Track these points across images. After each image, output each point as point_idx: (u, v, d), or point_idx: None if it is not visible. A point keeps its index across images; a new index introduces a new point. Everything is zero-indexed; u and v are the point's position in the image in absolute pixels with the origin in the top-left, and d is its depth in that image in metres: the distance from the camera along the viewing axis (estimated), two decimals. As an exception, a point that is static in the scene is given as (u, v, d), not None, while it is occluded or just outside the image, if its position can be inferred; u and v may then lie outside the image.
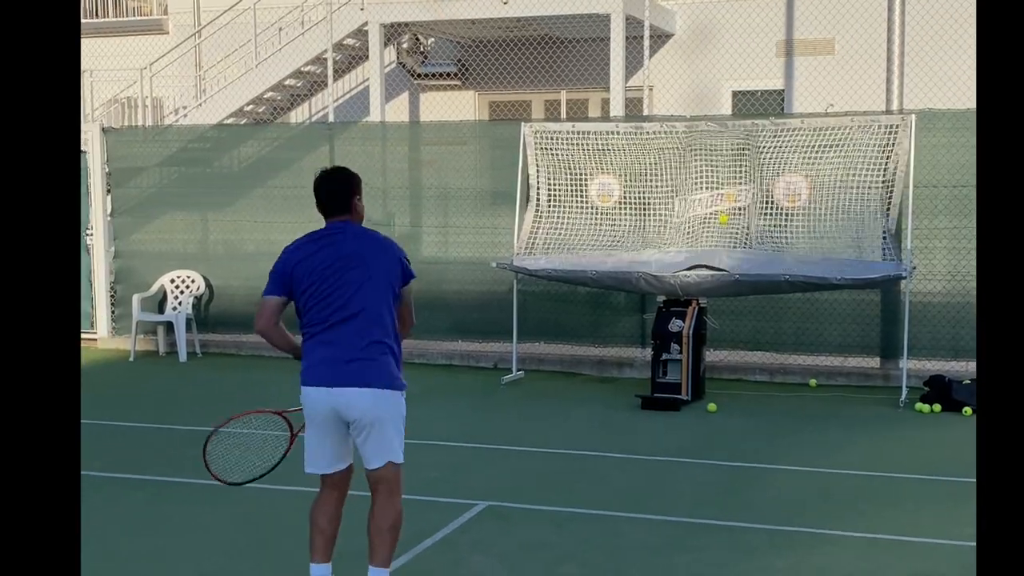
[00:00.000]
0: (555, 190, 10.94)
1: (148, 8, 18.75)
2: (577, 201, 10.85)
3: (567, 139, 10.95)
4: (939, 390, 9.54)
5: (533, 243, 10.90)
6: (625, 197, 10.67)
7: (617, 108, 13.58)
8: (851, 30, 14.26)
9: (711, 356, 10.63)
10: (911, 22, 11.09)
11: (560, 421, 9.38)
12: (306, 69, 15.40)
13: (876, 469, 7.68)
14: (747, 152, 10.27)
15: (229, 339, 12.90)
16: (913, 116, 9.83)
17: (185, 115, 15.80)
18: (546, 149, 11.00)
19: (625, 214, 10.66)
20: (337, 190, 5.04)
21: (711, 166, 10.37)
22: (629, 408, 9.74)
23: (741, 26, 14.57)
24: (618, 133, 10.77)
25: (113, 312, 13.27)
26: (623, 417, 9.46)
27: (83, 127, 13.53)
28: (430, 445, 8.44)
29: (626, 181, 10.68)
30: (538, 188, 10.99)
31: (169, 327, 12.64)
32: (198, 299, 12.82)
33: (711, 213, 10.30)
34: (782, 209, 10.11)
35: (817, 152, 10.06)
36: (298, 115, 16.65)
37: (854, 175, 9.94)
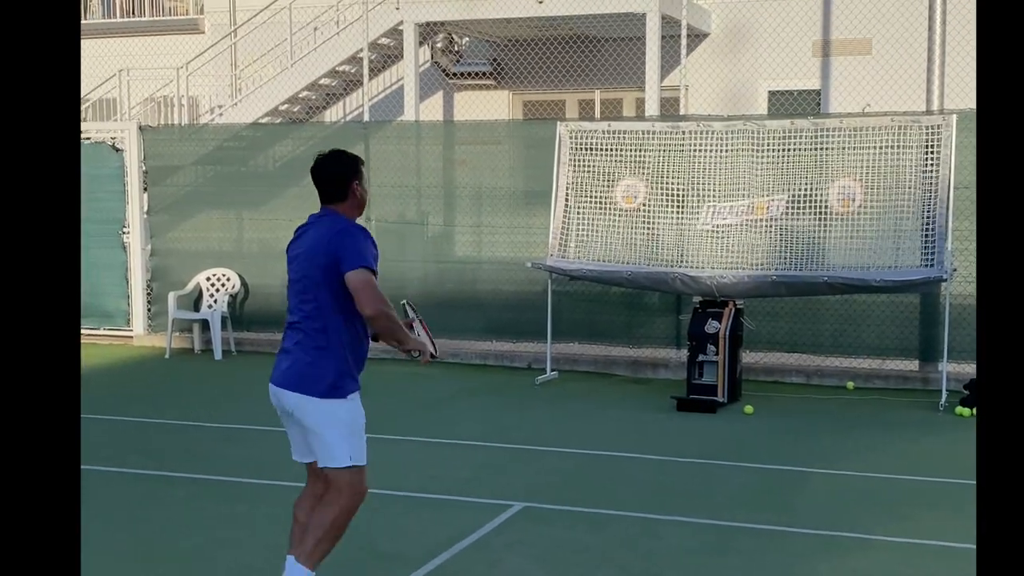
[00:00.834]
0: (588, 190, 10.88)
1: (184, 8, 18.86)
2: (609, 202, 10.80)
3: (602, 139, 10.89)
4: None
5: (567, 243, 10.86)
6: (652, 201, 10.57)
7: (652, 108, 13.52)
8: (889, 30, 14.13)
9: (747, 357, 10.56)
10: (951, 21, 10.96)
11: (595, 422, 9.33)
12: (341, 68, 15.43)
13: (917, 473, 7.59)
14: (784, 154, 10.17)
15: (264, 337, 12.92)
16: (955, 116, 9.71)
17: (221, 114, 15.86)
18: (580, 148, 10.95)
19: (653, 218, 10.57)
20: (330, 176, 4.82)
21: (743, 171, 10.26)
22: (664, 409, 9.68)
23: (777, 25, 14.46)
24: (654, 132, 10.71)
25: (149, 310, 13.33)
26: (659, 418, 9.40)
27: (120, 125, 13.64)
28: (464, 445, 8.44)
29: (655, 185, 10.59)
30: (569, 188, 10.94)
31: (204, 325, 12.70)
32: (233, 297, 12.87)
33: (741, 222, 10.19)
34: (822, 211, 10.00)
35: (857, 153, 9.96)
36: (332, 114, 16.69)
37: (894, 176, 9.84)
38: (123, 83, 15.84)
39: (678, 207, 10.50)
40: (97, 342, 13.18)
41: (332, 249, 4.64)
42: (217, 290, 12.83)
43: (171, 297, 12.57)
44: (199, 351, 12.79)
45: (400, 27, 14.49)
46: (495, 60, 16.05)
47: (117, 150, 13.19)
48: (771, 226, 10.15)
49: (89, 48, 17.23)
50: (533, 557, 5.83)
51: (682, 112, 12.91)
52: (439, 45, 15.90)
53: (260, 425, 9.03)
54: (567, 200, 10.92)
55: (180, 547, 6.01)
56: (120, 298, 13.24)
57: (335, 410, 4.73)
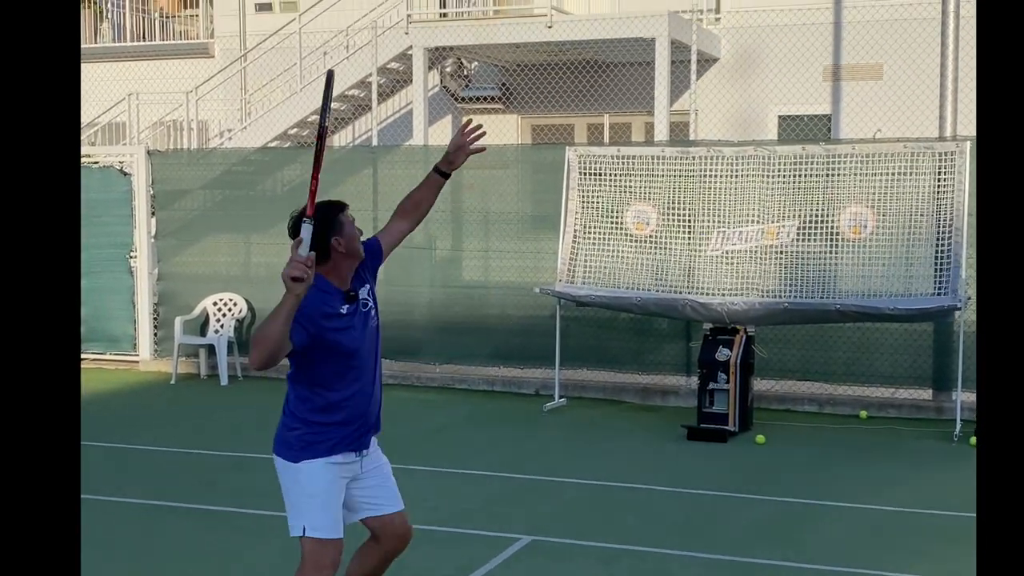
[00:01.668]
0: (597, 215, 10.80)
1: (195, 32, 18.89)
2: (617, 227, 10.72)
3: (611, 164, 10.82)
4: (995, 424, 9.29)
5: (575, 269, 10.77)
6: (662, 226, 10.50)
7: (662, 132, 13.46)
8: (899, 55, 14.07)
9: (758, 385, 10.44)
10: (963, 47, 10.89)
11: (605, 451, 9.22)
12: (350, 92, 15.40)
13: (933, 507, 7.46)
14: (795, 180, 10.09)
15: (271, 363, 12.82)
16: (969, 143, 9.63)
17: (230, 138, 15.85)
18: (589, 173, 10.88)
19: (664, 243, 10.49)
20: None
21: (754, 197, 10.18)
22: (675, 438, 9.57)
23: (787, 50, 14.41)
24: (664, 158, 10.63)
25: (155, 334, 13.26)
26: (669, 448, 9.29)
27: (128, 150, 13.62)
28: (471, 475, 8.33)
29: (665, 210, 10.51)
30: (578, 213, 10.86)
31: (211, 350, 12.62)
32: (240, 322, 12.79)
33: (752, 248, 10.11)
34: (834, 238, 9.91)
35: (869, 179, 9.88)
36: (341, 138, 16.67)
37: (907, 203, 9.75)
38: (132, 107, 15.83)
39: (688, 233, 10.42)
40: (103, 367, 13.11)
41: None
42: (224, 315, 12.76)
43: (178, 322, 12.50)
44: (205, 376, 12.71)
45: (409, 52, 14.47)
46: (504, 84, 16.02)
47: (125, 174, 13.15)
48: (782, 253, 10.05)
49: (98, 71, 17.26)
50: (542, 593, 5.73)
51: (692, 137, 12.83)
52: (448, 69, 15.89)
53: (268, 454, 8.91)
54: (576, 225, 10.84)
55: (183, 581, 5.91)
56: (126, 322, 13.17)
57: (286, 474, 4.49)
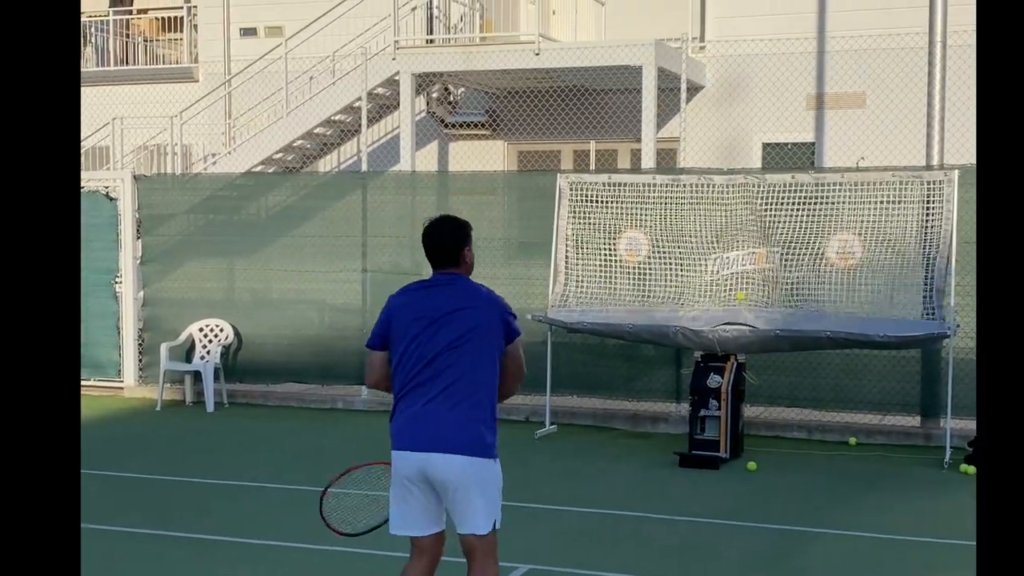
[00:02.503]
0: (588, 242, 10.82)
1: (179, 57, 18.86)
2: (608, 254, 10.74)
3: (602, 191, 10.86)
4: (985, 451, 9.33)
5: (567, 295, 10.78)
6: (654, 253, 10.53)
7: (648, 160, 13.52)
8: (882, 84, 14.20)
9: (748, 412, 10.45)
10: (949, 76, 11.01)
11: (598, 478, 9.21)
12: (336, 118, 15.40)
13: (926, 534, 7.48)
14: (785, 208, 10.14)
15: (257, 389, 12.79)
16: (956, 172, 9.71)
17: (214, 162, 15.80)
18: (580, 200, 10.91)
19: (655, 270, 10.51)
20: (446, 240, 4.78)
21: (743, 225, 10.23)
22: (667, 465, 9.56)
23: (771, 79, 14.52)
24: (654, 185, 10.68)
25: (140, 360, 13.17)
26: (661, 475, 9.28)
27: (114, 174, 13.55)
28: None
29: (656, 237, 10.55)
30: (569, 239, 10.88)
31: (196, 376, 12.54)
32: (226, 348, 12.72)
33: (743, 272, 10.16)
34: (823, 265, 9.96)
35: (857, 207, 9.95)
36: (327, 164, 16.65)
37: (895, 231, 9.82)
38: (116, 131, 15.77)
39: (678, 260, 10.45)
40: (87, 392, 12.96)
41: (504, 313, 4.73)
42: (210, 341, 12.69)
43: (163, 348, 12.42)
44: (191, 403, 12.62)
45: (396, 77, 14.48)
46: (490, 110, 16.06)
47: (111, 199, 13.08)
48: (772, 280, 10.10)
49: (82, 96, 17.19)
50: (544, 623, 5.69)
51: (679, 164, 12.90)
52: (435, 95, 15.91)
53: (260, 482, 8.89)
54: (567, 252, 10.86)
55: (181, 611, 5.85)
56: (111, 348, 13.07)
57: (490, 471, 4.69)
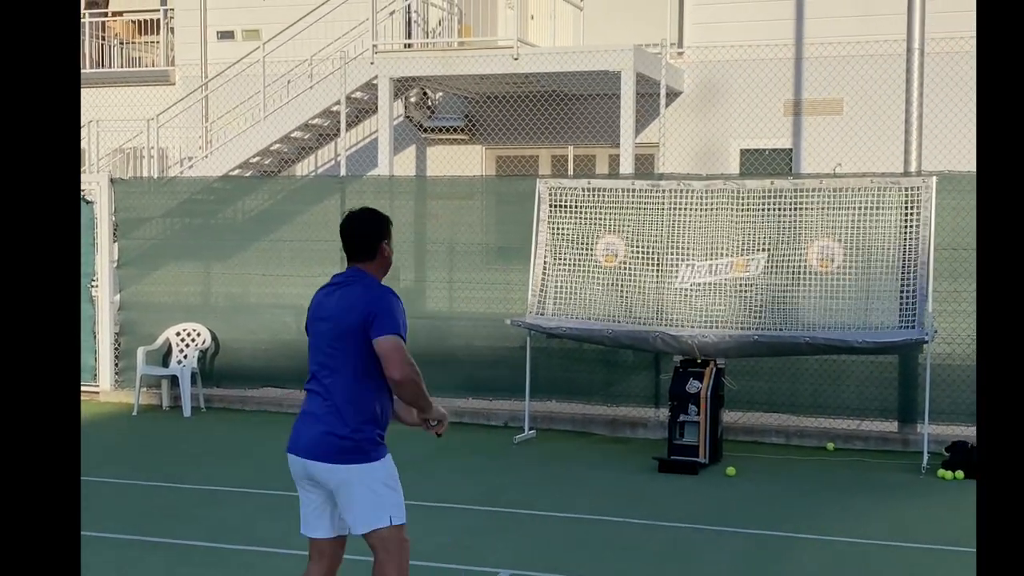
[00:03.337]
0: (567, 247, 10.83)
1: (153, 59, 18.74)
2: (587, 259, 10.75)
3: (579, 196, 10.86)
4: (962, 456, 9.39)
5: (545, 300, 10.78)
6: (632, 259, 10.54)
7: (627, 165, 13.53)
8: (860, 90, 14.27)
9: (726, 417, 10.47)
10: (928, 83, 11.08)
11: (578, 483, 9.20)
12: (314, 122, 15.35)
13: (904, 539, 7.51)
14: (763, 213, 10.18)
15: (234, 394, 12.72)
16: (934, 178, 9.77)
17: (191, 166, 15.71)
18: (559, 205, 10.91)
19: (632, 275, 10.52)
20: (360, 233, 4.74)
21: (722, 230, 10.26)
22: (646, 470, 9.56)
23: (749, 85, 14.57)
24: (633, 190, 10.69)
25: (116, 365, 13.07)
26: (641, 480, 9.29)
27: (90, 177, 13.43)
28: (444, 508, 8.26)
29: (634, 242, 10.56)
30: (548, 244, 10.88)
31: (173, 381, 12.45)
32: (204, 353, 12.64)
33: (720, 281, 10.17)
34: (802, 271, 10.00)
35: (836, 213, 9.99)
36: (304, 167, 16.58)
37: (874, 237, 9.86)
38: (92, 134, 15.66)
39: (657, 265, 10.47)
40: (62, 397, 12.87)
41: (367, 312, 4.53)
42: (187, 345, 12.61)
43: (140, 352, 12.33)
44: (167, 407, 12.53)
45: (374, 81, 14.45)
46: (468, 115, 16.04)
47: (88, 202, 12.98)
48: (751, 285, 10.13)
49: (57, 98, 17.04)
50: (526, 629, 5.68)
51: (658, 170, 12.92)
52: (413, 100, 15.88)
53: (236, 487, 8.84)
54: (546, 257, 10.85)
55: (160, 619, 5.80)
56: (87, 352, 12.95)
57: (367, 470, 4.58)
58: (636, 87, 13.54)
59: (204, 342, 12.62)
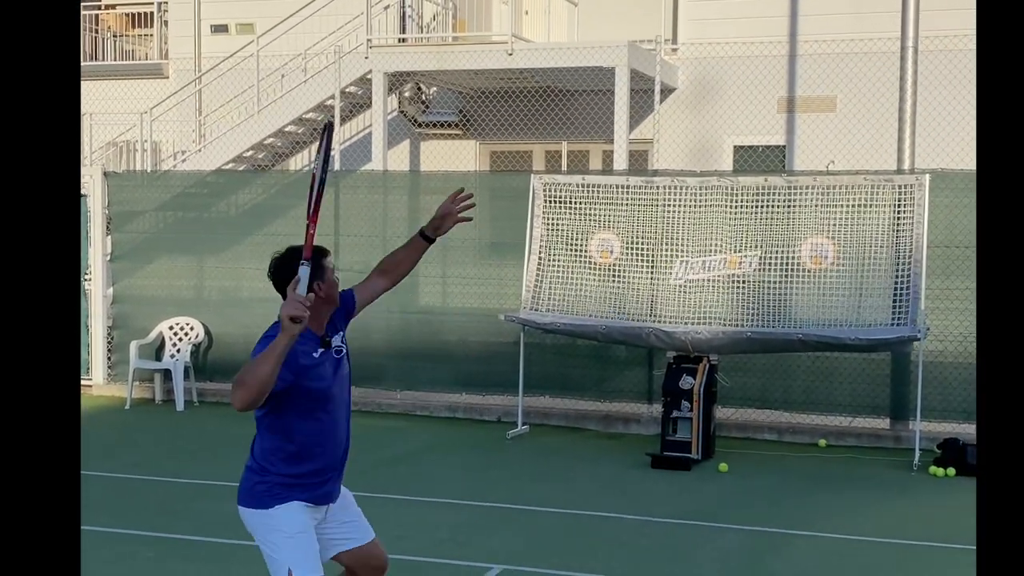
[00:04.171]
0: (561, 243, 10.83)
1: (146, 52, 18.70)
2: (581, 255, 10.76)
3: (574, 192, 10.86)
4: (954, 453, 9.42)
5: (539, 296, 10.78)
6: (626, 255, 10.55)
7: (621, 161, 13.54)
8: (853, 88, 14.29)
9: (719, 413, 10.48)
10: (921, 81, 11.10)
11: (570, 479, 9.21)
12: (307, 116, 15.33)
13: (896, 536, 7.54)
14: (757, 210, 10.20)
15: (227, 388, 12.60)
16: (928, 176, 9.80)
17: (184, 159, 15.68)
18: (553, 201, 10.91)
19: (626, 272, 10.53)
20: (275, 282, 4.41)
21: (716, 226, 10.28)
22: (639, 466, 9.58)
23: (743, 81, 14.58)
24: (628, 187, 10.70)
25: (109, 358, 13.06)
26: (634, 476, 9.30)
27: (83, 170, 13.40)
28: (437, 503, 8.28)
29: (628, 239, 10.57)
30: (543, 240, 10.88)
31: (166, 374, 12.44)
32: (197, 346, 12.63)
33: (714, 277, 10.19)
34: (795, 268, 10.02)
35: (829, 210, 10.00)
36: (297, 162, 16.56)
37: (867, 234, 9.88)
38: (85, 128, 15.61)
39: (651, 261, 10.48)
40: (54, 391, 12.86)
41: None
42: (180, 339, 12.59)
43: (133, 346, 12.31)
44: (160, 401, 12.52)
45: (369, 76, 14.43)
46: (462, 110, 16.03)
47: (81, 195, 12.96)
48: (745, 282, 10.15)
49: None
50: (520, 624, 5.69)
51: (652, 166, 12.93)
52: (407, 94, 15.87)
53: (229, 481, 8.78)
54: (540, 252, 10.86)
55: (153, 613, 5.80)
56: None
57: (257, 522, 4.34)
58: (630, 83, 13.54)
59: (197, 336, 12.61)
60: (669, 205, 10.49)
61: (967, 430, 9.97)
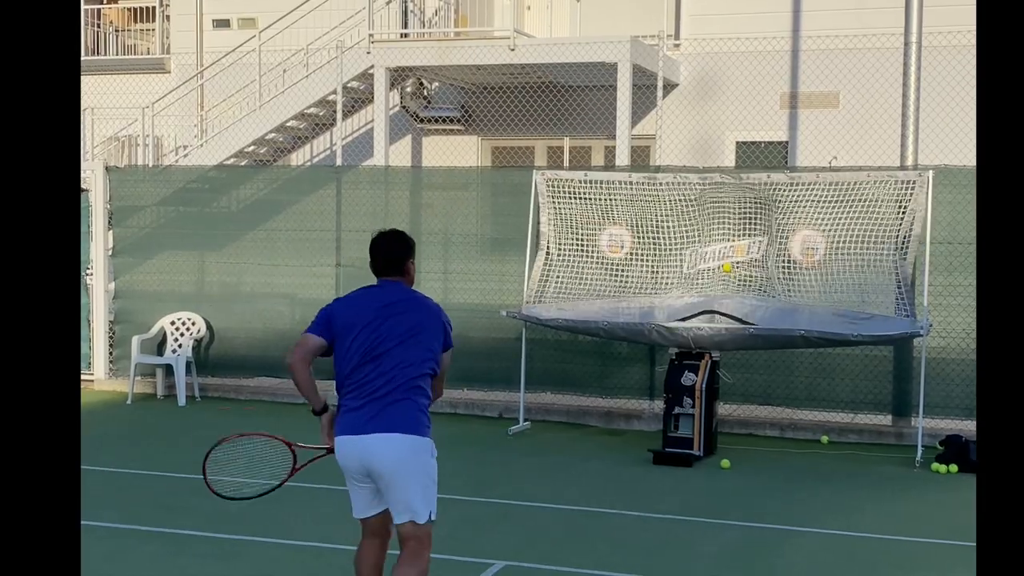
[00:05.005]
0: (565, 239, 10.82)
1: (148, 47, 18.68)
2: (587, 251, 10.75)
3: (577, 188, 10.85)
4: (956, 450, 9.41)
5: (543, 292, 10.77)
6: (635, 249, 10.55)
7: (623, 157, 13.52)
8: (856, 84, 14.27)
9: (721, 410, 10.48)
10: (924, 77, 11.09)
11: (572, 475, 9.21)
12: (309, 111, 15.32)
13: (898, 533, 7.53)
14: (759, 205, 10.19)
15: (229, 383, 12.71)
16: (931, 172, 9.78)
17: (186, 154, 15.67)
18: (555, 197, 10.90)
19: (636, 266, 10.54)
20: (394, 252, 5.10)
21: (722, 219, 10.28)
22: (640, 463, 9.57)
23: (745, 77, 14.56)
24: (631, 183, 10.69)
25: (111, 353, 13.06)
26: (636, 472, 9.30)
27: (85, 165, 13.39)
28: (439, 499, 8.22)
29: (636, 232, 10.57)
30: (548, 236, 10.87)
31: (168, 369, 12.44)
32: (198, 342, 12.63)
33: (720, 266, 10.20)
34: (796, 263, 10.01)
35: (831, 206, 9.99)
36: (299, 157, 16.55)
37: (870, 230, 9.87)
38: (87, 122, 15.60)
39: (654, 256, 10.47)
40: (56, 386, 12.85)
41: (445, 321, 5.06)
42: (182, 334, 12.59)
43: (135, 341, 12.31)
44: (162, 396, 12.52)
45: (371, 71, 14.42)
46: (464, 106, 16.02)
47: (82, 190, 12.95)
48: (747, 279, 10.13)
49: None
50: (521, 620, 5.68)
51: (654, 162, 12.91)
52: (409, 90, 15.85)
53: (231, 477, 8.80)
54: (547, 249, 10.85)
55: (155, 608, 5.79)
56: (81, 341, 12.94)
57: (425, 456, 4.89)
58: (632, 79, 13.53)
59: (199, 331, 12.61)
60: (671, 201, 10.48)
61: (969, 426, 9.97)
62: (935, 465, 9.37)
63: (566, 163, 15.62)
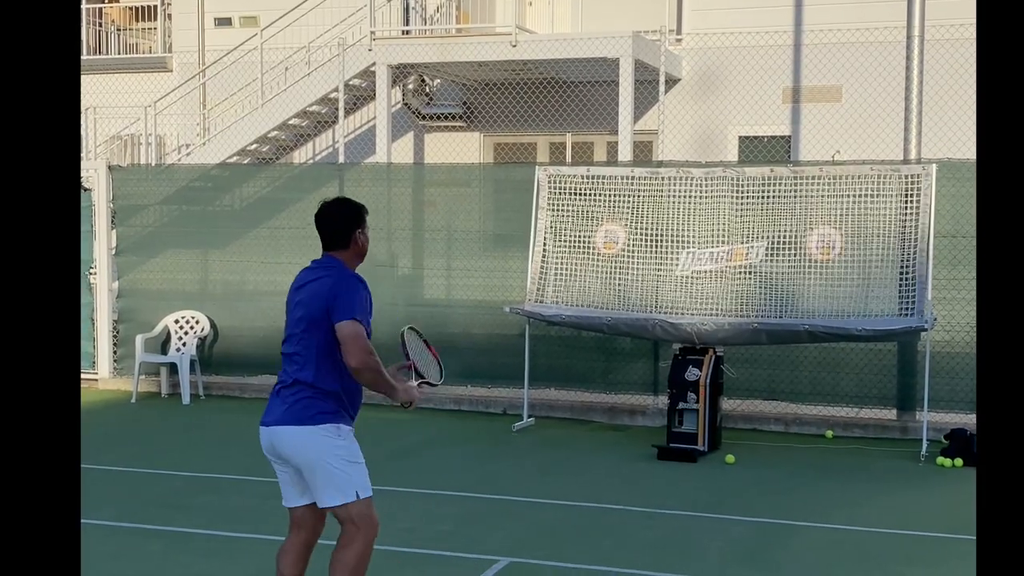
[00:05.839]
0: (566, 234, 10.81)
1: (150, 46, 18.68)
2: (586, 247, 10.73)
3: (580, 184, 10.83)
4: (961, 444, 9.40)
5: (544, 288, 10.76)
6: (631, 246, 10.52)
7: (625, 152, 13.51)
8: (859, 78, 14.24)
9: (725, 405, 10.47)
10: (927, 70, 11.06)
11: (577, 471, 9.20)
12: (311, 109, 15.32)
13: (903, 527, 7.52)
14: (763, 201, 10.16)
15: (233, 381, 12.71)
16: (934, 165, 9.75)
17: (188, 153, 15.67)
18: (558, 193, 10.89)
19: (631, 263, 10.51)
20: (335, 223, 4.92)
21: (722, 217, 10.25)
22: (645, 458, 9.57)
23: (747, 72, 14.53)
24: (633, 178, 10.67)
25: (115, 352, 13.06)
26: (640, 468, 9.29)
27: (88, 164, 13.39)
28: (443, 495, 8.27)
29: (633, 230, 10.54)
30: (547, 232, 10.86)
31: (172, 368, 12.44)
32: (202, 340, 12.63)
33: (720, 269, 10.16)
34: (802, 259, 9.99)
35: (836, 201, 9.97)
36: (301, 155, 16.55)
37: (874, 224, 9.85)
38: (89, 121, 15.61)
39: (657, 253, 10.45)
40: (60, 385, 12.86)
41: (329, 297, 4.71)
42: (186, 333, 12.60)
43: (139, 339, 12.32)
44: (166, 395, 12.53)
45: (372, 68, 14.41)
46: (466, 102, 16.00)
47: (85, 189, 12.95)
48: (751, 273, 10.12)
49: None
50: (526, 617, 5.68)
51: (656, 157, 12.89)
52: (411, 87, 15.84)
53: (235, 474, 8.83)
54: (545, 244, 10.83)
55: (159, 607, 5.79)
56: (86, 340, 12.94)
57: (324, 439, 4.72)
58: (634, 74, 13.52)
59: (203, 329, 12.61)
60: (675, 196, 10.46)
61: (974, 421, 9.94)
62: (940, 459, 9.35)
63: (568, 159, 15.60)
